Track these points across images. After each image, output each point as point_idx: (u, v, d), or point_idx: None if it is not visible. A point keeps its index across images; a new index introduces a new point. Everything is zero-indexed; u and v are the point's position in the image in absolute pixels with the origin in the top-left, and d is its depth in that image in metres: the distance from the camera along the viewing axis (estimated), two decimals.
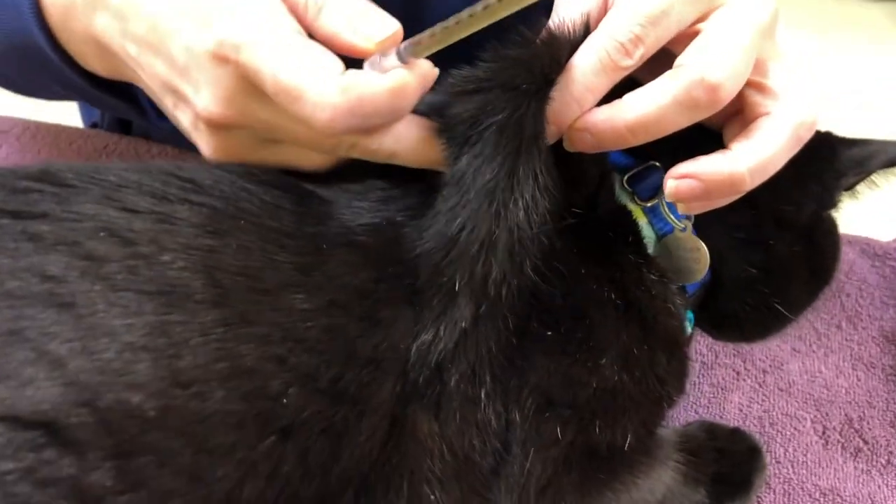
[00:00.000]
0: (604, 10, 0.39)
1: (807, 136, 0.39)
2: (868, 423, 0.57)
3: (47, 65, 0.46)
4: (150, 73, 0.40)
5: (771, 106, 0.38)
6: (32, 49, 0.46)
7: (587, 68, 0.37)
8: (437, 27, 0.35)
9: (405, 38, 0.37)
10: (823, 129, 0.46)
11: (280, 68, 0.35)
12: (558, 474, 0.39)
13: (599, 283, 0.40)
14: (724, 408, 0.57)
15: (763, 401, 0.58)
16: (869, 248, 0.67)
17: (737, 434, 0.53)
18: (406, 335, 0.36)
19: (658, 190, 0.43)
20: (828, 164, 0.46)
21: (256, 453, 0.32)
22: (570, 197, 0.41)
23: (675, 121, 0.36)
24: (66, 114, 0.90)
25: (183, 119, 0.41)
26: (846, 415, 0.57)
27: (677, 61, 0.37)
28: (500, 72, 0.37)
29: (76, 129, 0.71)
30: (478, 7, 0.33)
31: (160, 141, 0.69)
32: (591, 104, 0.38)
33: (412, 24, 0.56)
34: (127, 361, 0.31)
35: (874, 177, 0.47)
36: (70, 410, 0.30)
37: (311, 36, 0.37)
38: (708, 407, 0.57)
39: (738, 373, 0.59)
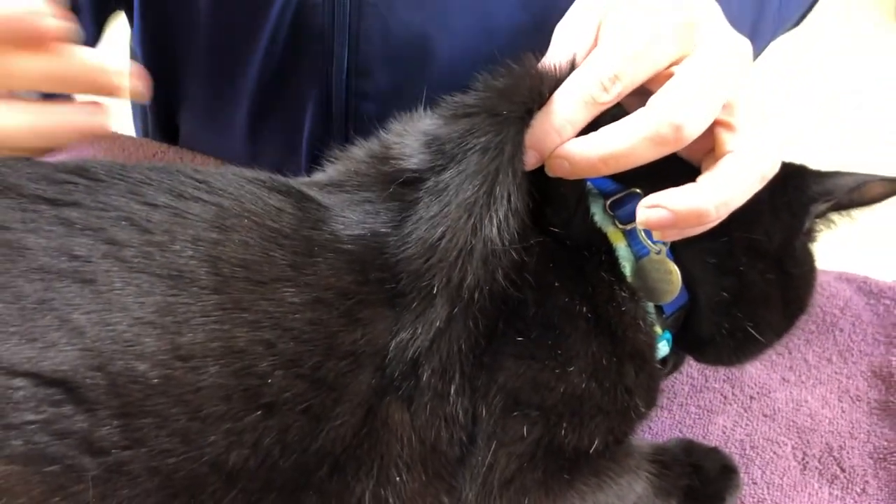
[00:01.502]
0: (593, 48, 0.44)
1: (770, 173, 0.42)
2: (848, 452, 0.58)
3: None
4: None
5: (736, 144, 0.42)
6: None
7: (568, 102, 0.41)
8: None
9: None
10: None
11: None
12: (522, 470, 0.43)
13: (571, 297, 0.44)
14: (708, 429, 0.60)
15: (746, 425, 0.60)
16: (865, 286, 0.69)
17: (713, 452, 0.55)
18: (385, 333, 0.40)
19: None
20: (797, 193, 0.48)
21: (242, 424, 0.37)
22: (549, 217, 0.45)
23: (643, 155, 0.40)
24: (121, 123, 0.96)
25: None
26: (827, 443, 0.59)
27: (650, 101, 0.41)
28: (486, 100, 0.42)
29: (129, 138, 0.77)
30: None
31: (203, 152, 0.75)
32: (570, 135, 0.42)
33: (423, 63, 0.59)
34: (136, 334, 0.36)
35: (852, 211, 0.50)
36: (85, 373, 0.35)
37: None
38: (693, 427, 0.60)
39: (725, 397, 0.62)
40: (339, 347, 0.39)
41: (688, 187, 0.41)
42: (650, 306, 0.48)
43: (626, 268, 0.47)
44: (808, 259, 0.51)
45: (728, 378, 0.63)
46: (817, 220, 0.50)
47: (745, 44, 0.44)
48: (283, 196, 0.43)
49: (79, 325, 0.35)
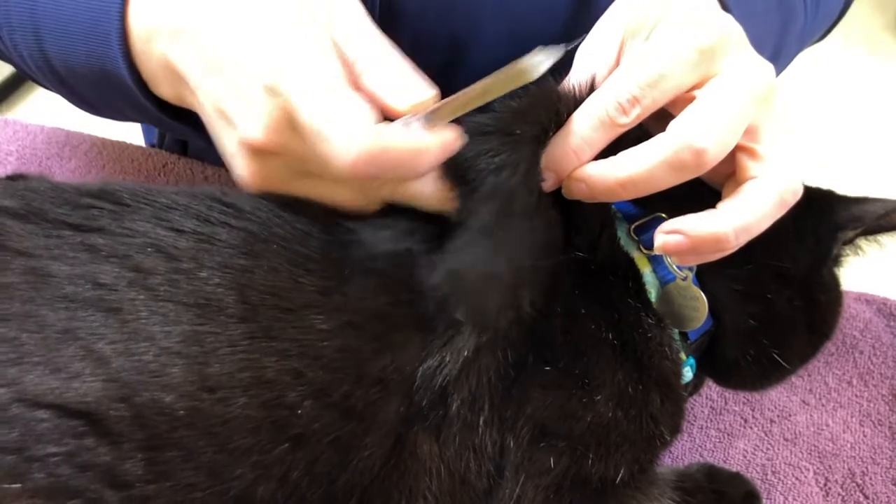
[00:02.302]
0: (614, 69, 0.43)
1: (792, 200, 0.41)
2: (870, 478, 0.58)
3: (123, 88, 0.50)
4: (206, 96, 0.44)
5: (758, 170, 0.41)
6: (111, 73, 0.50)
7: (586, 123, 0.41)
8: (460, 94, 0.38)
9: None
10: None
11: (316, 111, 0.38)
12: (549, 502, 0.42)
13: (598, 324, 0.43)
14: (728, 453, 0.59)
15: (767, 449, 0.59)
16: (885, 308, 0.69)
17: (736, 478, 0.54)
18: (413, 359, 0.39)
19: None
20: (825, 219, 0.48)
21: (270, 457, 0.36)
22: (574, 241, 0.44)
23: (663, 180, 0.40)
24: (130, 133, 0.96)
25: (227, 142, 0.44)
26: (849, 469, 0.58)
27: (670, 125, 0.40)
28: (501, 120, 0.41)
29: (138, 148, 0.76)
30: (498, 74, 0.36)
31: (213, 163, 0.74)
32: (588, 156, 0.41)
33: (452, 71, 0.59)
34: (163, 364, 0.35)
35: (879, 236, 0.49)
36: (110, 404, 0.34)
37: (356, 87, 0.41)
38: (713, 451, 0.59)
39: (745, 420, 0.61)
40: (368, 375, 0.38)
41: (707, 213, 0.41)
42: (676, 332, 0.47)
43: (652, 293, 0.46)
44: (835, 285, 0.50)
45: (748, 401, 0.62)
46: (845, 247, 0.49)
47: (768, 67, 0.44)
48: (309, 220, 0.42)
49: (104, 356, 0.35)
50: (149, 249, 0.38)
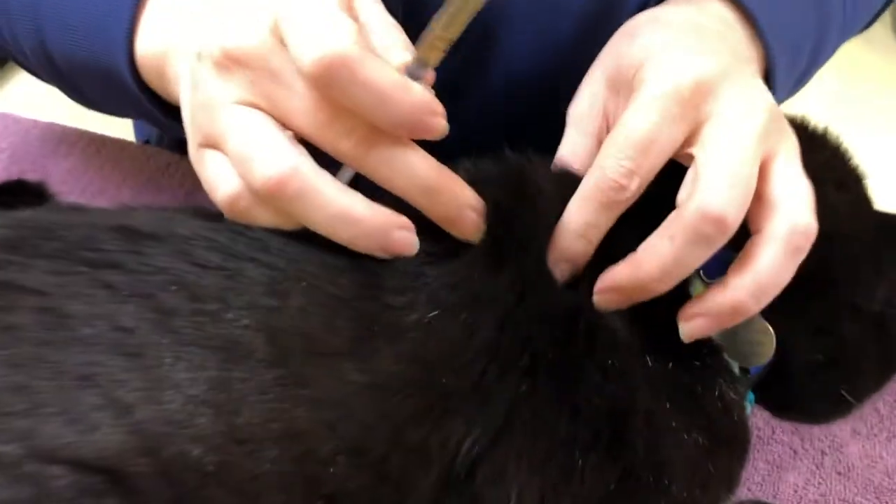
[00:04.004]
0: (604, 133, 0.43)
1: (804, 243, 0.38)
2: None
3: (127, 92, 0.48)
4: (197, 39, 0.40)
5: (763, 220, 0.38)
6: (115, 78, 0.47)
7: (588, 208, 0.39)
8: (425, 38, 0.37)
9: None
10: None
11: (307, 20, 0.36)
12: None
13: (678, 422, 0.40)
14: (778, 487, 0.56)
15: (820, 484, 0.56)
16: None
17: None
18: (456, 429, 0.36)
19: (726, 267, 0.43)
20: None
21: None
22: None
23: (695, 259, 0.37)
24: (130, 129, 0.93)
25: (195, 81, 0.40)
26: None
27: (678, 199, 0.38)
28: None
29: (139, 147, 0.73)
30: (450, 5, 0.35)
31: None
32: (596, 240, 0.40)
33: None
34: (189, 414, 0.32)
35: None
36: (133, 459, 0.31)
37: None
38: (762, 485, 0.56)
39: (795, 451, 0.58)
40: (406, 440, 0.35)
41: (719, 288, 0.39)
42: (735, 365, 0.44)
43: None
44: None
45: (796, 430, 0.59)
46: None
47: (763, 92, 0.41)
48: (340, 254, 0.38)
49: (125, 405, 0.32)
50: (172, 287, 0.34)
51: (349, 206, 0.36)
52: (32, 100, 1.18)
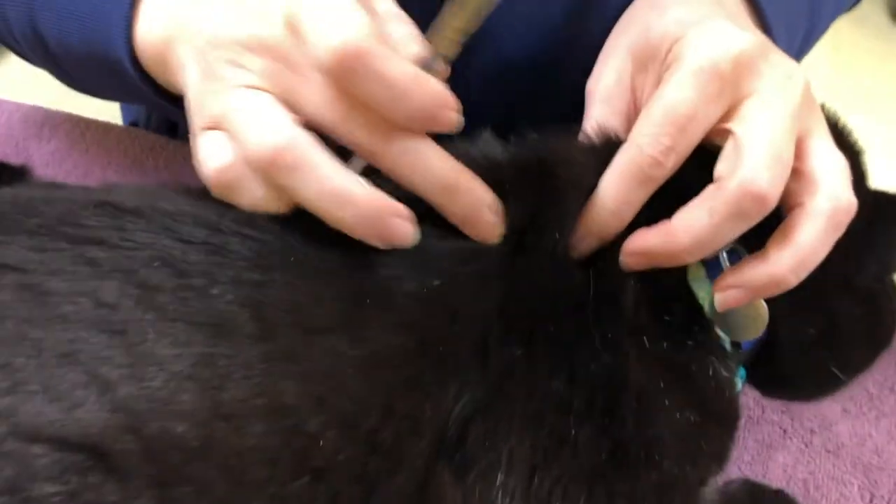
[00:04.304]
0: (629, 95, 0.43)
1: (845, 219, 0.38)
2: None
3: (125, 78, 0.47)
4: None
5: (805, 195, 0.38)
6: (114, 64, 0.47)
7: (623, 183, 0.38)
8: (436, 29, 0.38)
9: None
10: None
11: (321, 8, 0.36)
12: None
13: (659, 367, 0.40)
14: (768, 466, 0.56)
15: (809, 462, 0.56)
16: None
17: (781, 497, 0.51)
18: (448, 398, 0.36)
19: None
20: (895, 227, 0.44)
21: (288, 491, 0.32)
22: None
23: (729, 233, 0.37)
24: (115, 111, 0.91)
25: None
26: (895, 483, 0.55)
27: (717, 171, 0.38)
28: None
29: (124, 129, 0.72)
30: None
31: None
32: (630, 216, 0.39)
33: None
34: (173, 391, 0.32)
35: None
36: (117, 436, 0.30)
37: None
38: (751, 464, 0.56)
39: (784, 430, 0.58)
40: (398, 408, 0.35)
41: (760, 259, 0.39)
42: (727, 342, 0.44)
43: (705, 300, 0.42)
44: (894, 291, 0.47)
45: (786, 409, 0.59)
46: None
47: (796, 70, 0.40)
48: (329, 229, 0.38)
49: (108, 381, 0.31)
50: (155, 263, 0.34)
51: (345, 185, 0.35)
52: (14, 83, 1.16)
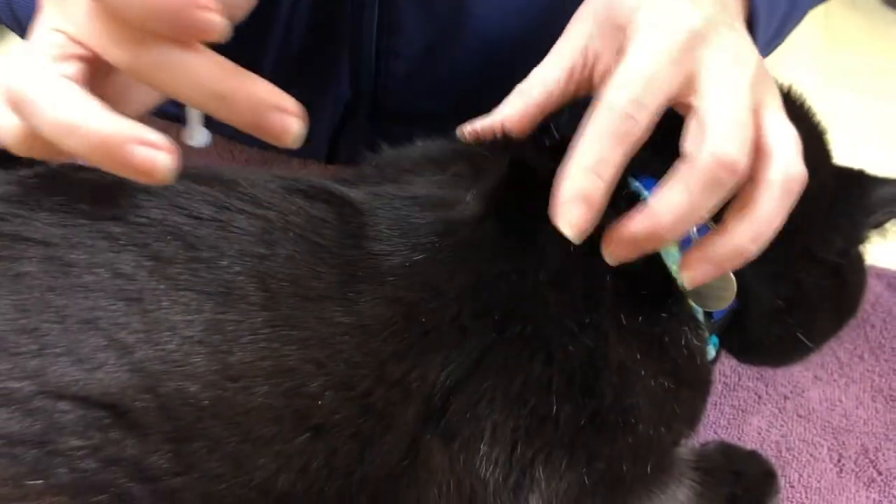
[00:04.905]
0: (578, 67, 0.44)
1: (797, 188, 0.40)
2: (884, 454, 0.58)
3: None
4: None
5: (759, 167, 0.40)
6: None
7: (598, 142, 0.38)
8: None
9: None
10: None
11: None
12: (581, 501, 0.41)
13: (642, 365, 0.43)
14: (743, 430, 0.59)
15: (782, 426, 0.59)
16: None
17: (753, 457, 0.54)
18: (436, 366, 0.38)
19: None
20: (858, 201, 0.47)
21: (291, 447, 0.35)
22: None
23: (706, 206, 0.38)
24: None
25: None
26: (862, 445, 0.58)
27: (684, 147, 0.39)
28: None
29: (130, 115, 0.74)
30: None
31: (215, 130, 0.73)
32: (609, 179, 0.38)
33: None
34: (186, 353, 0.34)
35: None
36: (135, 395, 0.33)
37: None
38: (727, 428, 0.59)
39: (759, 396, 0.61)
40: (389, 376, 0.37)
41: (717, 234, 0.40)
42: (700, 312, 0.47)
43: (676, 272, 0.45)
44: (860, 263, 0.50)
45: (761, 376, 0.62)
46: (875, 229, 0.48)
47: (751, 47, 0.42)
48: (325, 205, 0.41)
49: (126, 345, 0.34)
50: (168, 237, 0.37)
51: (69, 116, 0.33)
52: None
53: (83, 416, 0.33)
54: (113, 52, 0.34)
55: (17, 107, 0.34)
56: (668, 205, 0.38)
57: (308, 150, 0.68)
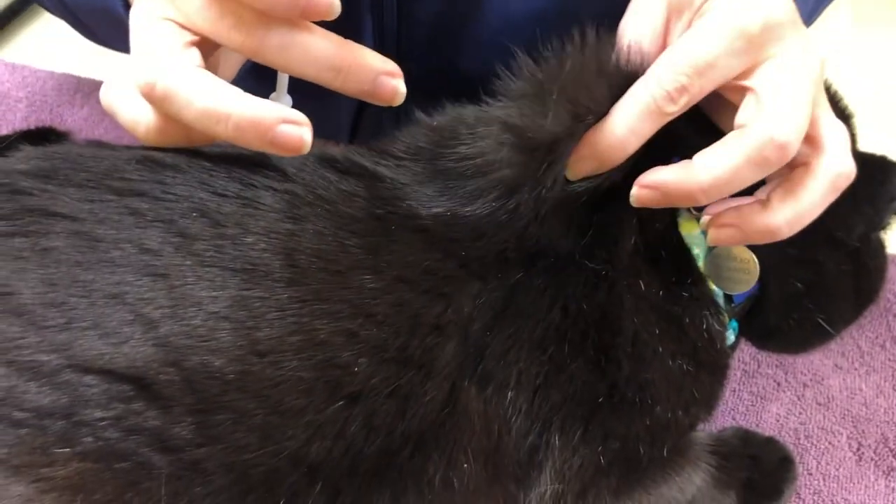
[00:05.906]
0: (662, 38, 0.43)
1: (844, 185, 0.40)
2: None
3: (122, 25, 0.49)
4: None
5: (812, 157, 0.40)
6: (110, 9, 0.50)
7: (633, 112, 0.39)
8: None
9: None
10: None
11: None
12: (597, 480, 0.42)
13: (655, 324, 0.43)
14: (761, 417, 0.59)
15: (800, 413, 0.59)
16: None
17: (771, 443, 0.54)
18: (469, 302, 0.40)
19: None
20: (881, 187, 0.47)
21: (324, 416, 0.36)
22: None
23: (746, 179, 0.38)
24: None
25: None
26: (882, 434, 0.58)
27: (739, 120, 0.39)
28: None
29: None
30: None
31: None
32: (634, 147, 0.40)
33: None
34: (211, 329, 0.35)
35: None
36: (160, 368, 0.34)
37: None
38: (746, 415, 0.59)
39: (778, 384, 0.61)
40: (424, 324, 0.38)
41: (758, 206, 0.40)
42: (720, 295, 0.47)
43: (699, 256, 0.45)
44: (882, 249, 0.50)
45: (780, 364, 0.62)
46: None
47: (817, 51, 0.42)
48: (355, 179, 0.41)
49: (152, 320, 0.35)
50: (193, 214, 0.37)
51: (214, 103, 0.36)
52: (45, 49, 1.19)
53: (108, 390, 0.33)
54: (232, 36, 0.37)
55: (160, 99, 0.37)
56: (709, 165, 0.38)
57: (330, 129, 0.68)
